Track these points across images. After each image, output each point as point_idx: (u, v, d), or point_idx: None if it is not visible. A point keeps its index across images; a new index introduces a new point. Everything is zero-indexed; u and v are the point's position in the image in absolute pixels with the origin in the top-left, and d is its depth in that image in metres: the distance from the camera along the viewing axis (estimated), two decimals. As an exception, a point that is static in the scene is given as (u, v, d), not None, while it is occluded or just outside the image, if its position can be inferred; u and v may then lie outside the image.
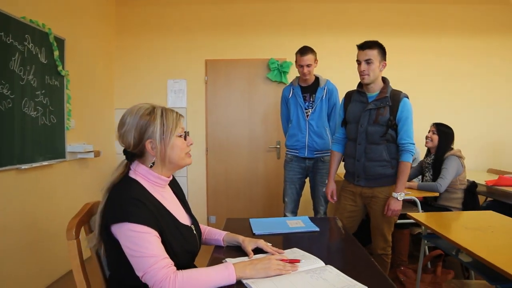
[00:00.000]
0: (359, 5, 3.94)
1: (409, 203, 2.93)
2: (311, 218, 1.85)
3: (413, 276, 2.54)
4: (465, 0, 3.94)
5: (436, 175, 2.87)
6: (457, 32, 3.96)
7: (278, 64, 3.85)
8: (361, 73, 2.13)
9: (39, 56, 2.59)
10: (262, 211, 3.97)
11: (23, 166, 2.43)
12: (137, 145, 1.14)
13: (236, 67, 3.94)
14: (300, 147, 2.87)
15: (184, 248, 1.16)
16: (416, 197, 2.79)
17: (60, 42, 2.82)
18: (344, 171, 2.42)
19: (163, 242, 1.07)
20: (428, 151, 3.08)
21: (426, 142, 3.03)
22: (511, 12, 3.96)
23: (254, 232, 1.61)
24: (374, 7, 3.94)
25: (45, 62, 2.65)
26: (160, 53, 3.96)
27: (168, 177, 1.23)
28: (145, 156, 1.17)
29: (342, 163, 2.46)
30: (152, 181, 1.17)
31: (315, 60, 2.80)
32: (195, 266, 1.23)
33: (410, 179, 3.10)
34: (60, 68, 2.80)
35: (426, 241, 2.20)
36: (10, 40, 2.29)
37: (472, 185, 2.91)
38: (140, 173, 1.16)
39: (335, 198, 2.44)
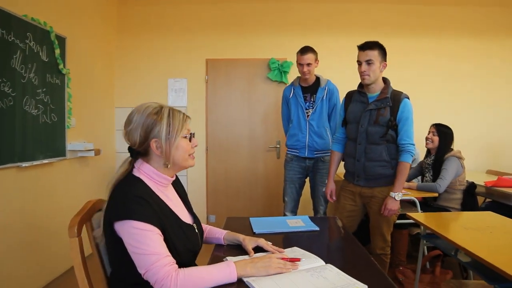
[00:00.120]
0: (359, 6, 3.95)
1: (408, 204, 2.94)
2: (311, 218, 1.86)
3: (411, 276, 2.55)
4: (464, 2, 3.95)
5: (436, 176, 2.88)
6: (457, 33, 3.98)
7: (278, 64, 3.86)
8: (362, 74, 2.14)
9: (40, 54, 2.60)
10: (261, 210, 3.98)
11: (24, 164, 2.43)
12: (142, 143, 1.14)
13: (236, 67, 3.95)
14: (300, 147, 2.88)
15: (186, 246, 1.17)
16: (415, 198, 2.80)
17: (61, 41, 2.83)
18: (344, 171, 2.43)
19: (166, 240, 1.07)
20: (428, 152, 3.09)
21: (427, 144, 3.03)
22: (510, 14, 3.97)
23: (254, 231, 1.62)
24: (374, 7, 3.95)
25: (46, 60, 2.66)
26: (160, 52, 3.96)
27: (172, 177, 1.23)
28: (150, 154, 1.17)
29: (342, 163, 2.47)
30: (155, 180, 1.18)
31: (316, 60, 2.81)
32: (196, 265, 1.23)
33: (409, 180, 3.12)
34: (61, 66, 2.80)
35: (425, 241, 2.21)
36: (12, 38, 2.30)
37: (471, 186, 2.92)
38: (144, 172, 1.17)
39: (334, 197, 2.45)
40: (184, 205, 1.32)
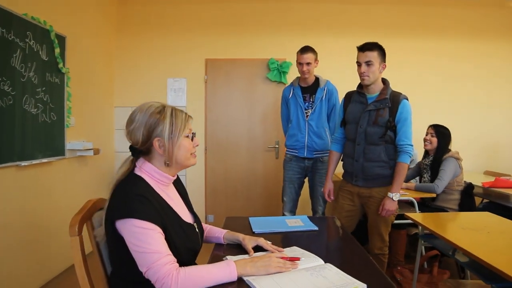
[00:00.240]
0: (359, 6, 3.96)
1: (406, 204, 2.96)
2: (309, 217, 1.87)
3: (409, 276, 2.56)
4: (463, 3, 3.97)
5: (434, 176, 2.90)
6: (455, 34, 3.99)
7: (277, 64, 3.87)
8: (361, 75, 2.15)
9: (40, 53, 2.60)
10: (260, 210, 3.99)
11: (23, 163, 2.44)
12: (145, 142, 1.15)
13: (236, 67, 3.96)
14: (299, 147, 2.89)
15: (186, 246, 1.17)
16: (414, 198, 2.82)
17: (61, 40, 2.83)
18: (342, 171, 2.44)
19: (167, 239, 1.08)
20: (426, 153, 3.11)
21: (425, 145, 3.04)
22: (509, 15, 4.00)
23: (253, 230, 1.63)
24: (374, 8, 3.97)
25: (46, 59, 2.66)
26: (160, 52, 3.96)
27: (173, 176, 1.24)
28: (152, 153, 1.18)
29: (340, 163, 2.48)
30: (157, 178, 1.19)
31: (316, 60, 2.82)
32: (196, 264, 1.24)
33: (408, 180, 3.13)
34: (60, 65, 2.80)
35: (423, 241, 2.23)
36: (12, 37, 2.30)
37: (469, 187, 2.93)
38: (146, 171, 1.18)
39: (332, 197, 2.46)
40: (185, 204, 1.33)
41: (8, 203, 2.34)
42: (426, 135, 3.05)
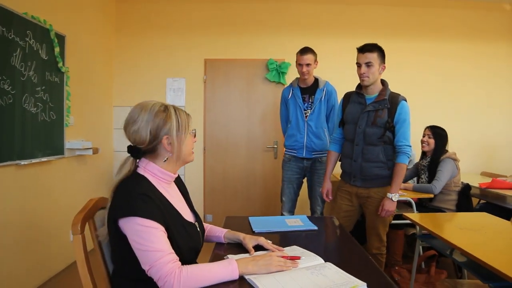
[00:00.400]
0: (358, 7, 3.98)
1: (404, 204, 2.98)
2: (309, 217, 1.88)
3: (407, 275, 2.58)
4: (463, 4, 4.00)
5: (431, 177, 2.92)
6: (455, 35, 4.02)
7: (276, 65, 3.88)
8: (361, 76, 2.17)
9: (40, 52, 2.60)
10: (259, 210, 4.00)
11: (23, 162, 2.43)
12: (152, 141, 1.15)
13: (235, 67, 3.97)
14: (298, 148, 2.90)
15: (188, 244, 1.18)
16: (411, 198, 2.84)
17: (61, 39, 2.83)
18: (340, 171, 2.46)
19: (169, 238, 1.09)
20: (424, 154, 3.12)
21: (423, 147, 3.06)
22: (508, 16, 4.03)
23: (254, 230, 1.64)
24: (373, 9, 3.98)
25: (45, 58, 2.66)
26: (159, 51, 3.97)
27: (175, 174, 1.26)
28: (157, 152, 1.19)
29: (338, 163, 2.49)
30: (159, 177, 1.20)
31: (315, 61, 2.84)
32: (197, 263, 1.25)
33: (405, 181, 3.15)
34: (60, 64, 2.80)
35: (420, 241, 2.25)
36: (12, 36, 2.30)
37: (466, 187, 2.96)
38: (148, 169, 1.19)
39: (330, 197, 2.47)
40: (186, 203, 1.34)
41: (7, 202, 2.34)
42: (423, 136, 3.07)
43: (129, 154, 1.18)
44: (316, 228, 1.70)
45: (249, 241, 1.35)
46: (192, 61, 3.97)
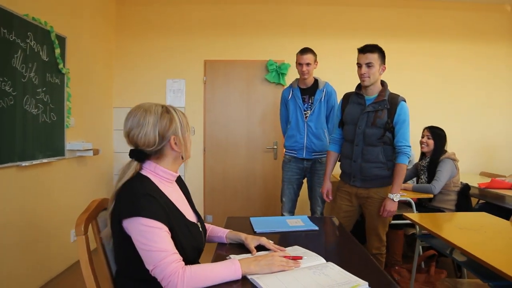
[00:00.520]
0: (358, 8, 4.00)
1: (403, 204, 2.99)
2: (309, 218, 1.89)
3: (407, 275, 2.60)
4: (463, 5, 4.02)
5: (431, 178, 2.93)
6: (455, 36, 4.04)
7: (276, 66, 3.89)
8: (362, 76, 2.18)
9: (41, 53, 2.60)
10: (259, 211, 4.01)
11: (24, 163, 2.44)
12: (160, 142, 1.17)
13: (234, 68, 3.98)
14: (298, 148, 2.91)
15: (191, 244, 1.19)
16: (411, 199, 2.85)
17: (61, 40, 2.83)
18: (340, 172, 2.47)
19: (173, 238, 1.10)
20: (423, 154, 3.14)
21: (422, 148, 3.07)
22: (508, 17, 4.05)
23: (255, 230, 1.65)
24: (373, 10, 4.00)
25: (46, 59, 2.66)
26: (159, 53, 3.98)
27: (176, 173, 1.27)
28: (164, 153, 1.20)
29: (338, 164, 2.50)
30: (161, 176, 1.21)
31: (315, 61, 2.85)
32: (199, 263, 1.26)
33: (405, 181, 3.16)
34: (61, 66, 2.81)
35: (420, 241, 2.26)
36: (13, 38, 2.31)
37: (465, 188, 2.97)
38: (150, 170, 1.20)
39: (330, 197, 2.48)
40: (188, 203, 1.35)
41: (8, 203, 2.35)
42: (422, 137, 3.08)
43: (131, 159, 1.18)
44: (317, 228, 1.71)
45: (251, 241, 1.36)
46: (192, 62, 3.98)
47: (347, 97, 2.38)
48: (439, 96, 4.04)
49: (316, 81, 2.92)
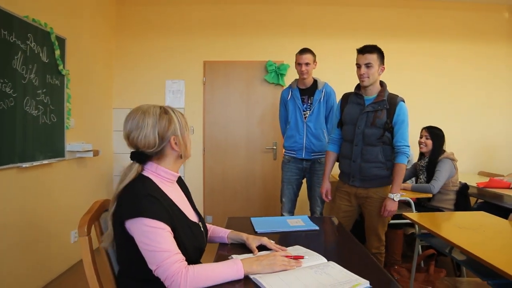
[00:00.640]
0: (357, 8, 4.01)
1: (403, 204, 3.00)
2: (310, 218, 1.90)
3: (406, 274, 2.61)
4: (462, 5, 4.04)
5: (429, 177, 2.95)
6: (454, 36, 4.05)
7: (275, 67, 3.90)
8: (361, 76, 2.19)
9: (41, 55, 2.61)
10: (259, 211, 4.01)
11: (24, 165, 2.44)
12: (160, 143, 1.18)
13: (234, 69, 3.99)
14: (297, 149, 2.92)
15: (193, 244, 1.20)
16: (410, 198, 2.87)
17: (61, 42, 2.84)
18: (339, 172, 2.48)
19: (175, 238, 1.11)
20: (422, 154, 3.15)
21: (421, 148, 3.08)
22: (508, 17, 4.07)
23: (256, 230, 1.66)
24: (372, 10, 4.02)
25: (46, 61, 2.67)
26: (159, 53, 3.98)
27: (177, 172, 1.28)
28: (164, 154, 1.21)
29: (336, 164, 2.51)
30: (162, 177, 1.22)
31: (314, 61, 2.86)
32: (201, 263, 1.27)
33: (404, 181, 3.17)
34: (61, 67, 2.81)
35: (420, 240, 2.27)
36: (13, 39, 2.31)
37: (464, 187, 2.99)
38: (151, 170, 1.20)
39: (329, 197, 2.49)
40: (189, 203, 1.36)
41: (9, 204, 2.35)
42: (421, 137, 3.09)
43: (132, 161, 1.19)
44: (317, 228, 1.72)
45: (253, 241, 1.37)
46: (192, 63, 3.99)
47: (346, 97, 2.39)
48: (439, 96, 4.06)
49: (315, 81, 2.93)
